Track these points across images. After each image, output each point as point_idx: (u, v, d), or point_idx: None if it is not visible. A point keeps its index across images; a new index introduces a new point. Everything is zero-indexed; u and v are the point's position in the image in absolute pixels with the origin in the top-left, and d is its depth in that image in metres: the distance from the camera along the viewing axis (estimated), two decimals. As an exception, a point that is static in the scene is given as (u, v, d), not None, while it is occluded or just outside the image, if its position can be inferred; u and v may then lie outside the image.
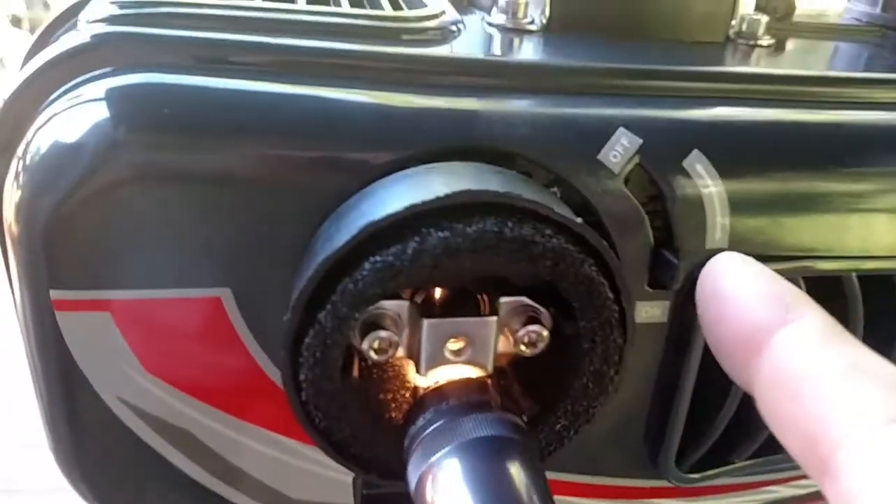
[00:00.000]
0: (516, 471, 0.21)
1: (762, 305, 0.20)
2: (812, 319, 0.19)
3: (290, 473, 0.29)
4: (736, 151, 0.27)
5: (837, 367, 0.18)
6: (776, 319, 0.20)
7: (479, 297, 0.26)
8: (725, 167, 0.26)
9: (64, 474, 0.29)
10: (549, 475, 0.31)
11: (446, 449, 0.21)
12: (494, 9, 0.33)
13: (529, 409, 0.26)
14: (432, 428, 0.22)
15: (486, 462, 0.21)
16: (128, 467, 0.29)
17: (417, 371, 0.24)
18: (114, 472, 0.29)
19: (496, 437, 0.22)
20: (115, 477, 0.29)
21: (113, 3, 0.28)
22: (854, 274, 0.28)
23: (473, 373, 0.25)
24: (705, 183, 0.26)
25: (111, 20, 0.27)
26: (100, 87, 0.25)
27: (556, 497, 0.32)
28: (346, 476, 0.29)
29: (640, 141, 0.25)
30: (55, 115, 0.25)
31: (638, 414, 0.30)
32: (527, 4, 0.33)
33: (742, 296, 0.21)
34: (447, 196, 0.21)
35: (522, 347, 0.24)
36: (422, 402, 0.24)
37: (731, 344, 0.21)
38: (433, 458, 0.21)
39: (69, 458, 0.28)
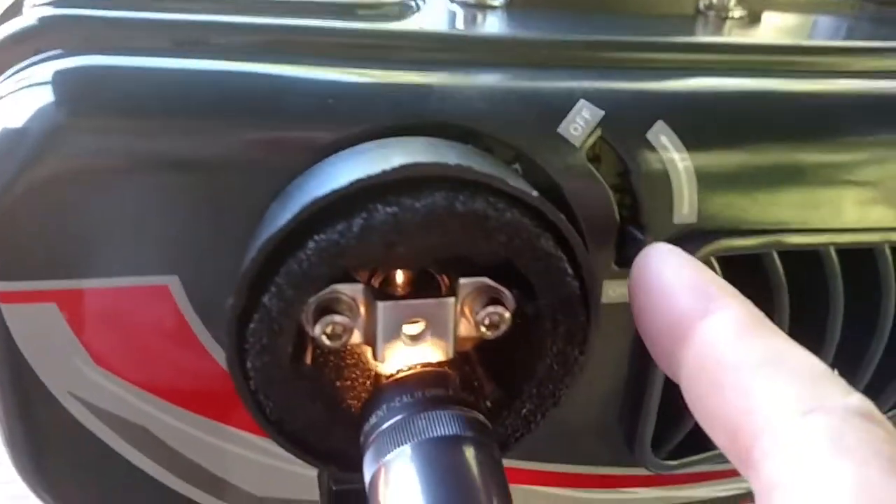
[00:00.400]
0: (472, 471, 0.20)
1: (686, 296, 0.20)
2: (734, 310, 0.19)
3: (254, 469, 0.28)
4: (703, 123, 0.26)
5: (757, 357, 0.18)
6: (699, 310, 0.19)
7: (439, 279, 0.25)
8: (692, 139, 0.25)
9: (24, 480, 0.28)
10: (524, 465, 0.30)
11: (399, 449, 0.20)
12: (456, -16, 0.32)
13: (493, 393, 0.25)
14: (386, 425, 0.21)
15: (440, 464, 0.20)
16: (87, 468, 0.28)
17: (374, 357, 0.23)
18: (73, 474, 0.28)
19: (451, 436, 0.20)
20: (74, 479, 0.28)
21: (57, -15, 0.27)
22: (832, 247, 0.27)
23: (434, 357, 0.24)
24: (671, 156, 0.25)
25: (56, 3, 0.26)
26: (45, 71, 0.24)
27: (532, 487, 0.31)
28: (312, 471, 0.28)
29: (602, 113, 0.24)
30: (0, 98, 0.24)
31: (613, 399, 0.29)
32: (489, -21, 0.32)
33: (667, 286, 0.21)
34: (394, 170, 0.20)
35: (484, 330, 0.23)
36: (377, 396, 0.23)
37: (656, 334, 0.21)
38: (386, 458, 0.20)
39: (26, 461, 0.27)
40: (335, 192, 0.20)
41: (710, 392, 0.19)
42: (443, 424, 0.21)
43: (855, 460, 0.15)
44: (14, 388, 0.26)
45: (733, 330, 0.19)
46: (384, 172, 0.20)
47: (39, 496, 0.28)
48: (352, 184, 0.20)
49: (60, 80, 0.23)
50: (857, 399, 0.16)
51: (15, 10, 0.34)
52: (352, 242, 0.20)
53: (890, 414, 0.33)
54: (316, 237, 0.20)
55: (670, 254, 0.22)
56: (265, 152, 0.23)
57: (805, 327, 0.28)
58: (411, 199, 0.20)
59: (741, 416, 0.17)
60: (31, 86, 0.24)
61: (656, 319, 0.21)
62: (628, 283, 0.22)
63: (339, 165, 0.22)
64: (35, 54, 0.25)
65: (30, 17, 0.26)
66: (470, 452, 0.21)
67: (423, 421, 0.21)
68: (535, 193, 0.21)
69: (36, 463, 0.27)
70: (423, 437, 0.21)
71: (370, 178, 0.20)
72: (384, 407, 0.22)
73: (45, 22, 0.25)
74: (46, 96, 0.23)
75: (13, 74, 0.25)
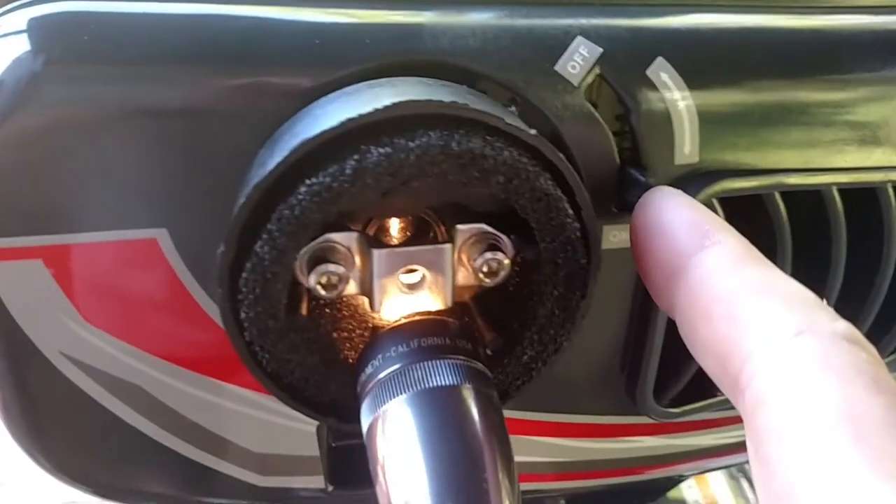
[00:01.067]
0: (470, 421, 0.20)
1: (681, 233, 0.21)
2: (727, 245, 0.20)
3: (250, 425, 0.28)
4: (704, 61, 0.25)
5: (748, 287, 0.19)
6: (694, 246, 0.20)
7: (435, 227, 0.24)
8: (693, 77, 0.24)
9: (19, 445, 0.28)
10: (527, 415, 0.30)
11: (397, 398, 0.20)
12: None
13: (494, 341, 0.24)
14: (382, 374, 0.21)
15: (437, 413, 0.20)
16: (81, 429, 0.28)
17: (371, 307, 0.23)
18: (68, 435, 0.28)
19: (449, 386, 0.20)
20: (69, 441, 0.28)
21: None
22: (834, 188, 0.27)
23: (432, 306, 0.23)
24: (672, 94, 0.24)
25: (29, -51, 0.25)
26: (21, 18, 0.23)
27: (536, 438, 0.31)
28: (310, 426, 0.28)
29: (601, 50, 0.23)
30: (-26, 49, 0.23)
31: (614, 347, 0.29)
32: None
33: (664, 225, 0.21)
34: (386, 108, 0.19)
35: (483, 277, 0.23)
36: (372, 345, 0.22)
37: (654, 271, 0.21)
38: (383, 408, 0.20)
39: (20, 425, 0.27)
40: (325, 133, 0.19)
41: (701, 323, 0.19)
42: (440, 374, 0.20)
43: (840, 378, 0.16)
44: (3, 348, 0.25)
45: (725, 263, 0.19)
46: (376, 111, 0.19)
47: (35, 459, 0.28)
48: (342, 123, 0.19)
49: (36, 28, 0.23)
50: (844, 325, 0.17)
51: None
52: (345, 185, 0.19)
53: (892, 358, 0.33)
54: (307, 181, 0.19)
55: (670, 195, 0.22)
56: (251, 98, 0.23)
57: (808, 269, 0.28)
58: (405, 139, 0.19)
59: (730, 342, 0.18)
60: (5, 35, 0.23)
61: (654, 257, 0.21)
62: (630, 225, 0.22)
63: (329, 107, 0.21)
64: (9, 2, 0.24)
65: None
66: (468, 401, 0.20)
67: (420, 370, 0.21)
68: (532, 132, 0.20)
69: (30, 425, 0.27)
70: (420, 386, 0.20)
71: (361, 117, 0.19)
72: (380, 356, 0.22)
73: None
74: (22, 45, 0.22)
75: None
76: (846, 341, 0.17)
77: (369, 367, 0.22)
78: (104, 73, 0.22)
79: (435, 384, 0.20)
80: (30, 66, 0.22)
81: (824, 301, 0.18)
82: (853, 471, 0.14)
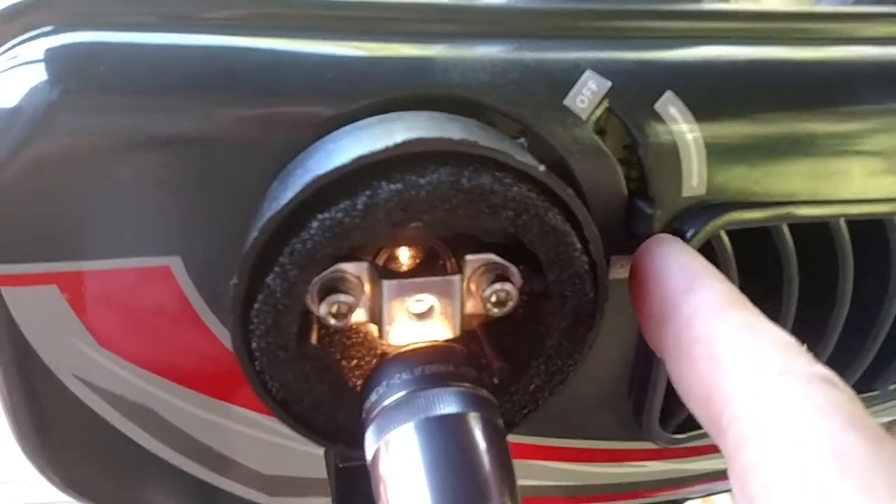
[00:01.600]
0: (474, 449, 0.20)
1: (672, 278, 0.22)
2: (713, 290, 0.21)
3: (261, 448, 0.28)
4: (712, 93, 0.25)
5: (730, 330, 0.19)
6: (682, 290, 0.21)
7: (445, 256, 0.24)
8: (701, 110, 0.25)
9: (31, 462, 0.28)
10: (534, 440, 0.30)
11: (401, 427, 0.20)
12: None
13: (501, 370, 0.24)
14: (387, 402, 0.21)
15: (441, 442, 0.20)
16: (93, 449, 0.28)
17: (380, 336, 0.23)
18: (79, 455, 0.28)
19: (453, 414, 0.20)
20: (81, 460, 0.28)
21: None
22: (842, 219, 0.27)
23: (441, 335, 0.23)
24: (680, 127, 0.24)
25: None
26: (37, 48, 0.23)
27: (541, 463, 0.31)
28: (318, 449, 0.28)
29: (609, 84, 0.24)
30: (-8, 77, 0.23)
31: (621, 374, 0.29)
32: (491, -52, 0.31)
33: (657, 269, 0.22)
34: (397, 145, 0.19)
35: (491, 307, 0.23)
36: (378, 371, 0.22)
37: (646, 313, 0.22)
38: (387, 436, 0.20)
39: (33, 444, 0.27)
40: (338, 170, 0.19)
41: (685, 365, 0.20)
42: (444, 402, 0.21)
43: (820, 416, 0.17)
44: (18, 370, 0.25)
45: (709, 307, 0.20)
46: (387, 148, 0.19)
47: (46, 476, 0.28)
48: (354, 160, 0.19)
49: (53, 58, 0.23)
50: (821, 368, 0.18)
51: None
52: (356, 220, 0.20)
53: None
54: (319, 216, 0.20)
55: (666, 241, 0.23)
56: (264, 129, 0.23)
57: (813, 300, 0.28)
58: (416, 175, 0.20)
59: (712, 384, 0.19)
60: (23, 63, 0.23)
61: (646, 300, 0.22)
62: (630, 267, 0.23)
63: (341, 142, 0.21)
64: (26, 31, 0.24)
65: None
66: (472, 430, 0.20)
67: (425, 398, 0.21)
68: (541, 167, 0.21)
69: (41, 444, 0.27)
70: (424, 414, 0.20)
71: (373, 154, 0.19)
72: (384, 383, 0.22)
73: (37, -2, 0.25)
74: (40, 74, 0.23)
75: (5, 52, 0.24)
76: (824, 383, 0.17)
77: (374, 394, 0.22)
78: (120, 102, 0.23)
79: (439, 412, 0.20)
80: (47, 96, 0.22)
81: (804, 345, 0.19)
82: (842, 499, 0.15)
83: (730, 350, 0.19)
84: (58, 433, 0.27)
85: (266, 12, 0.24)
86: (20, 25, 0.24)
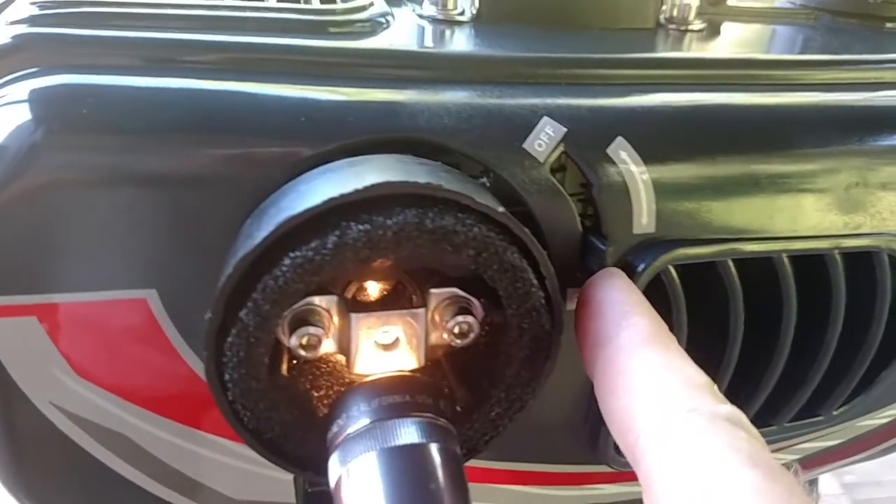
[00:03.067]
0: (432, 478, 0.21)
1: (607, 312, 0.23)
2: (640, 326, 0.22)
3: (233, 474, 0.29)
4: (660, 137, 0.27)
5: (649, 366, 0.21)
6: (614, 324, 0.23)
7: (410, 289, 0.26)
8: (650, 153, 0.26)
9: (6, 487, 0.29)
10: (494, 465, 0.31)
11: (362, 456, 0.21)
12: (425, 0, 0.33)
13: (463, 398, 0.26)
14: (349, 431, 0.22)
15: (400, 472, 0.21)
16: (68, 476, 0.29)
17: (348, 366, 0.24)
18: (54, 481, 0.29)
19: (412, 445, 0.21)
20: (56, 486, 0.29)
21: (33, 3, 0.27)
22: (784, 255, 0.28)
23: (406, 365, 0.25)
24: (630, 169, 0.26)
25: (32, 21, 0.27)
26: (22, 89, 0.24)
27: (501, 486, 0.32)
28: (286, 474, 0.29)
29: (565, 129, 0.25)
30: (-24, 118, 0.24)
31: (578, 401, 0.30)
32: (456, -5, 0.33)
33: (595, 303, 0.24)
34: (366, 188, 0.21)
35: (454, 338, 0.24)
36: (341, 402, 0.23)
37: (584, 343, 0.24)
38: (348, 465, 0.21)
39: (7, 468, 0.28)
40: (309, 211, 0.21)
41: (609, 395, 0.21)
42: (404, 432, 0.22)
43: (718, 457, 0.18)
44: (-5, 398, 0.26)
45: (634, 342, 0.22)
46: (356, 191, 0.21)
47: (20, 501, 0.29)
48: (325, 202, 0.21)
49: (37, 99, 0.24)
50: (727, 407, 0.19)
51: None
52: (326, 258, 0.21)
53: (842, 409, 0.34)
54: (291, 254, 0.21)
55: (608, 276, 0.25)
56: (239, 168, 0.24)
57: (759, 331, 0.29)
58: (383, 216, 0.21)
59: (629, 416, 0.20)
60: (7, 104, 0.24)
61: (584, 331, 0.24)
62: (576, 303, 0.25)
63: (313, 183, 0.22)
64: (10, 72, 0.25)
65: (4, 35, 0.26)
66: (430, 459, 0.21)
67: (386, 429, 0.22)
68: (501, 209, 0.22)
69: (17, 469, 0.28)
70: (385, 444, 0.21)
71: (343, 196, 0.21)
72: (348, 413, 0.23)
73: (20, 41, 0.26)
74: (23, 114, 0.24)
75: (-10, 92, 0.25)
76: (727, 422, 0.19)
77: (337, 422, 0.23)
78: (100, 142, 0.24)
79: (399, 442, 0.21)
80: (31, 135, 0.23)
81: (714, 386, 0.21)
82: None
83: (645, 385, 0.20)
84: (33, 459, 0.28)
85: (243, 57, 0.25)
86: (5, 67, 0.25)
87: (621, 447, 0.21)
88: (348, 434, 0.22)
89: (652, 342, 0.22)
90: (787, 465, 0.18)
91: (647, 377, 0.21)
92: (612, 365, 0.22)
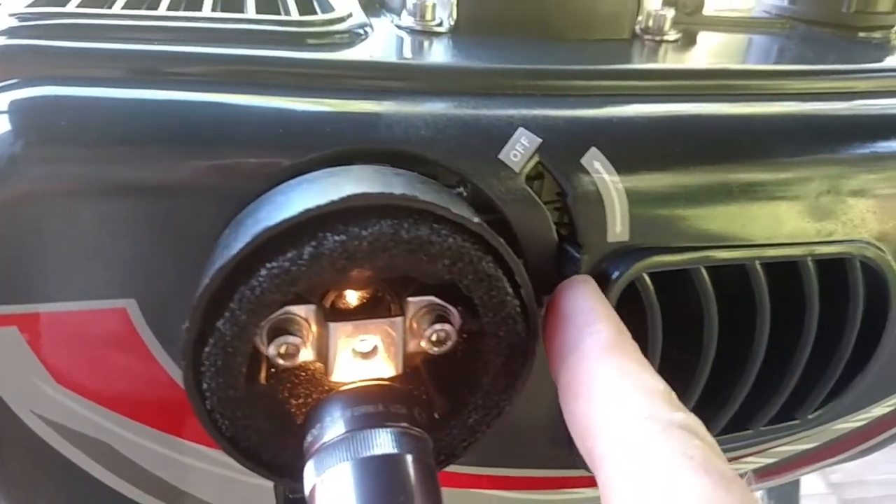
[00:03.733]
0: (405, 488, 0.21)
1: (572, 319, 0.24)
2: (603, 334, 0.23)
3: (213, 481, 0.29)
4: (634, 147, 0.27)
5: (607, 374, 0.21)
6: (578, 332, 0.23)
7: (388, 297, 0.26)
8: (624, 163, 0.27)
9: (-14, 495, 0.29)
10: (474, 470, 0.32)
11: (336, 466, 0.21)
12: (403, 11, 0.34)
13: (441, 405, 0.26)
14: (326, 439, 0.22)
15: (375, 481, 0.21)
16: (49, 483, 0.29)
17: (326, 374, 0.24)
18: (35, 488, 0.29)
19: (387, 455, 0.22)
20: (37, 493, 0.29)
21: (12, 15, 0.27)
22: (757, 262, 0.29)
23: (384, 372, 0.25)
24: (603, 179, 0.26)
25: (11, 32, 0.27)
26: (2, 100, 0.24)
27: (480, 491, 0.32)
28: (266, 481, 0.29)
29: (540, 140, 0.26)
30: (-45, 129, 0.25)
31: (556, 405, 0.31)
32: (434, 7, 0.33)
33: (562, 309, 0.24)
34: (342, 199, 0.21)
35: (431, 346, 0.25)
36: (316, 410, 0.24)
37: (550, 349, 0.24)
38: (323, 474, 0.22)
39: (-10, 477, 0.28)
40: (286, 221, 0.21)
41: (571, 400, 0.22)
42: (378, 442, 0.22)
43: (671, 464, 0.18)
44: (-25, 407, 0.26)
45: (596, 350, 0.22)
46: (332, 202, 0.21)
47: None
48: (301, 213, 0.21)
49: (16, 110, 0.24)
50: (683, 415, 0.20)
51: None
52: (302, 269, 0.21)
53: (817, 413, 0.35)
54: (268, 264, 0.21)
55: (576, 283, 0.25)
56: (217, 179, 0.24)
57: (734, 336, 0.30)
58: (359, 227, 0.21)
59: (587, 422, 0.21)
60: (-14, 115, 0.24)
61: (551, 337, 0.24)
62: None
63: (290, 194, 0.23)
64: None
65: (-15, 46, 0.26)
66: (404, 469, 0.22)
67: (360, 438, 0.22)
68: (476, 220, 0.23)
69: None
70: (359, 454, 0.22)
71: (319, 207, 0.21)
72: (320, 424, 0.23)
73: (0, 52, 0.26)
74: (3, 125, 0.24)
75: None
76: (682, 430, 0.19)
77: (310, 434, 0.23)
78: (79, 154, 0.24)
79: (373, 452, 0.22)
80: (10, 147, 0.24)
81: (672, 393, 0.21)
82: None
83: (604, 392, 0.21)
84: (14, 466, 0.28)
85: (221, 69, 0.26)
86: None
87: (581, 452, 0.21)
88: (324, 443, 0.22)
89: (613, 350, 0.22)
90: (741, 474, 0.19)
91: (607, 384, 0.21)
92: (574, 372, 0.22)
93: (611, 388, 0.21)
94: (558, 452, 0.31)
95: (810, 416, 0.34)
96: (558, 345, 0.24)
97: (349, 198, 0.21)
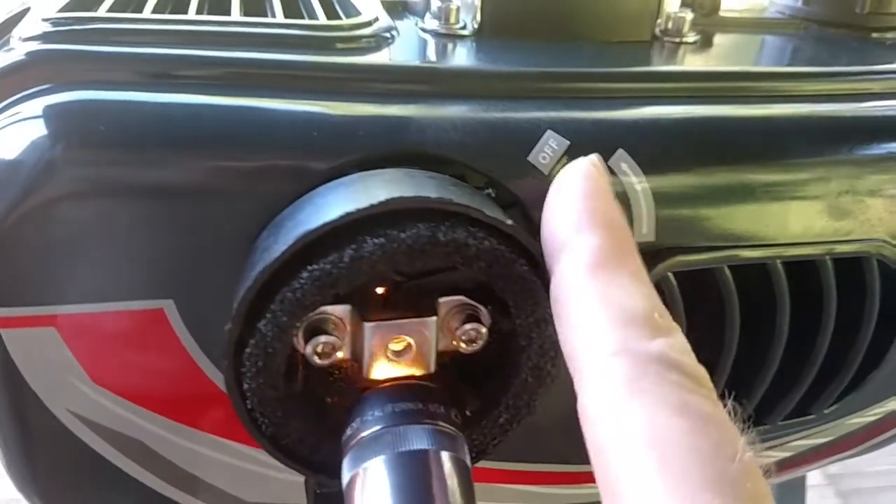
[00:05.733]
0: (439, 483, 0.22)
1: (565, 216, 0.21)
2: (588, 245, 0.20)
3: (244, 477, 0.30)
4: (659, 148, 0.28)
5: (585, 297, 0.19)
6: (567, 236, 0.20)
7: (418, 295, 0.26)
8: (650, 164, 0.27)
9: (18, 488, 0.29)
10: (499, 465, 0.32)
11: (375, 459, 0.22)
12: (427, 14, 0.34)
13: (472, 403, 0.27)
14: (364, 434, 0.23)
15: (409, 475, 0.22)
16: (82, 479, 0.29)
17: (361, 373, 0.25)
18: (68, 483, 0.30)
19: (421, 450, 0.22)
20: (69, 489, 0.30)
21: (46, 20, 0.28)
22: (778, 261, 0.30)
23: (417, 371, 0.25)
24: (630, 180, 0.27)
25: (45, 37, 0.27)
26: (37, 105, 0.25)
27: (505, 486, 0.33)
28: (298, 477, 0.30)
29: (568, 143, 0.26)
30: (-7, 133, 0.25)
31: (575, 400, 0.31)
32: (458, 10, 0.33)
33: (558, 199, 0.21)
34: (381, 203, 0.22)
35: (462, 345, 0.25)
36: (357, 406, 0.24)
37: (542, 241, 0.22)
38: (361, 467, 0.22)
39: (22, 471, 0.29)
40: (327, 225, 0.21)
41: (557, 322, 0.20)
42: (414, 438, 0.22)
43: (644, 403, 0.16)
44: (12, 406, 0.27)
45: (581, 266, 0.20)
46: (372, 206, 0.22)
47: (31, 501, 0.30)
48: (342, 216, 0.21)
49: (53, 115, 0.25)
50: (659, 344, 0.17)
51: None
52: (342, 271, 0.22)
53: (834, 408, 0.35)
54: (309, 267, 0.22)
55: (579, 167, 0.22)
56: (254, 182, 0.25)
57: (752, 331, 0.30)
58: (397, 230, 0.22)
59: (569, 352, 0.19)
60: (23, 119, 0.25)
61: (543, 229, 0.22)
62: None
63: (328, 197, 0.23)
64: (23, 89, 0.26)
65: (18, 52, 0.27)
66: (438, 464, 0.22)
67: (395, 435, 0.23)
68: (509, 222, 0.23)
69: (32, 473, 0.29)
70: (395, 449, 0.22)
71: (359, 211, 0.21)
72: (359, 420, 0.24)
73: (32, 57, 0.26)
74: (40, 130, 0.24)
75: (4, 108, 0.26)
76: (657, 363, 0.17)
77: (349, 428, 0.24)
78: (118, 157, 0.24)
79: (408, 447, 0.22)
80: (49, 151, 0.24)
81: (657, 314, 0.19)
82: (657, 496, 0.15)
83: (581, 319, 0.19)
84: (49, 463, 0.29)
85: (257, 73, 0.26)
86: (18, 82, 0.26)
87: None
88: (362, 437, 0.23)
89: (599, 265, 0.19)
90: (765, 470, 0.17)
91: (584, 310, 0.19)
92: (558, 287, 0.20)
93: (588, 316, 0.19)
94: (579, 447, 0.32)
95: (826, 411, 0.35)
96: (547, 241, 0.21)
97: (388, 201, 0.22)
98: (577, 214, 0.20)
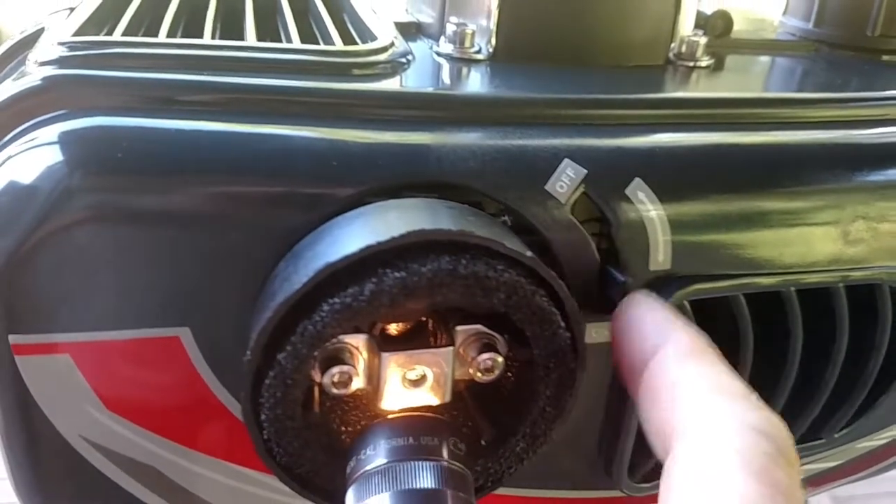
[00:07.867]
0: None
1: (646, 332, 0.24)
2: (681, 342, 0.23)
3: (255, 502, 0.29)
4: (675, 176, 0.28)
5: (688, 378, 0.22)
6: (654, 343, 0.24)
7: (434, 325, 0.26)
8: (666, 192, 0.27)
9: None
10: (508, 491, 0.32)
11: (376, 495, 0.22)
12: (442, 38, 0.34)
13: (488, 431, 0.26)
14: (368, 468, 0.23)
15: None
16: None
17: (375, 402, 0.25)
18: (78, 509, 0.29)
19: (427, 490, 0.22)
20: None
21: (61, 44, 0.28)
22: (793, 288, 0.29)
23: (433, 400, 0.25)
24: (647, 208, 0.27)
25: (61, 62, 0.27)
26: (53, 131, 0.25)
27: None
28: None
29: (585, 171, 0.26)
30: (9, 158, 0.25)
31: (592, 428, 0.31)
32: (473, 34, 0.33)
33: (633, 325, 0.25)
34: (402, 236, 0.22)
35: (478, 374, 0.25)
36: (364, 436, 0.24)
37: (624, 363, 0.25)
38: (363, 502, 0.22)
39: (34, 498, 0.29)
40: (348, 258, 0.21)
41: (652, 406, 0.23)
42: (418, 476, 0.22)
43: (733, 464, 0.19)
44: (25, 430, 0.27)
45: (675, 357, 0.23)
46: (393, 239, 0.21)
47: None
48: (363, 249, 0.21)
49: (70, 141, 0.25)
50: (760, 416, 0.20)
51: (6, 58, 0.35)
52: (362, 305, 0.22)
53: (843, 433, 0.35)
54: (330, 300, 0.22)
55: (641, 298, 0.26)
56: (273, 210, 0.25)
57: (767, 359, 0.30)
58: (417, 263, 0.22)
59: (667, 425, 0.21)
60: (39, 145, 0.25)
61: (624, 352, 0.25)
62: (611, 325, 0.26)
63: (347, 229, 0.23)
64: (39, 114, 0.26)
65: (35, 76, 0.26)
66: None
67: (399, 471, 0.22)
68: (529, 254, 0.23)
69: (43, 500, 0.28)
70: (399, 487, 0.22)
71: (380, 244, 0.21)
72: (364, 452, 0.24)
73: (48, 82, 0.26)
74: (56, 156, 0.24)
75: (20, 134, 0.26)
76: (753, 431, 0.19)
77: (354, 459, 0.24)
78: (135, 184, 0.24)
79: (412, 486, 0.22)
80: (66, 177, 0.24)
81: (753, 394, 0.22)
82: None
83: (684, 396, 0.22)
84: (59, 489, 0.28)
85: (275, 100, 0.26)
86: (34, 107, 0.26)
87: (657, 451, 0.22)
88: (366, 471, 0.23)
89: (692, 355, 0.23)
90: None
91: (687, 388, 0.22)
92: (655, 379, 0.23)
93: (691, 391, 0.22)
94: (592, 474, 0.32)
95: (836, 435, 0.35)
96: (632, 357, 0.24)
97: (408, 234, 0.22)
98: (663, 320, 0.24)
